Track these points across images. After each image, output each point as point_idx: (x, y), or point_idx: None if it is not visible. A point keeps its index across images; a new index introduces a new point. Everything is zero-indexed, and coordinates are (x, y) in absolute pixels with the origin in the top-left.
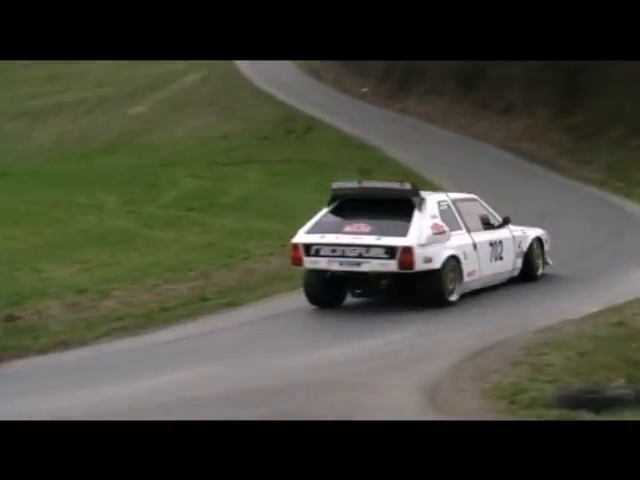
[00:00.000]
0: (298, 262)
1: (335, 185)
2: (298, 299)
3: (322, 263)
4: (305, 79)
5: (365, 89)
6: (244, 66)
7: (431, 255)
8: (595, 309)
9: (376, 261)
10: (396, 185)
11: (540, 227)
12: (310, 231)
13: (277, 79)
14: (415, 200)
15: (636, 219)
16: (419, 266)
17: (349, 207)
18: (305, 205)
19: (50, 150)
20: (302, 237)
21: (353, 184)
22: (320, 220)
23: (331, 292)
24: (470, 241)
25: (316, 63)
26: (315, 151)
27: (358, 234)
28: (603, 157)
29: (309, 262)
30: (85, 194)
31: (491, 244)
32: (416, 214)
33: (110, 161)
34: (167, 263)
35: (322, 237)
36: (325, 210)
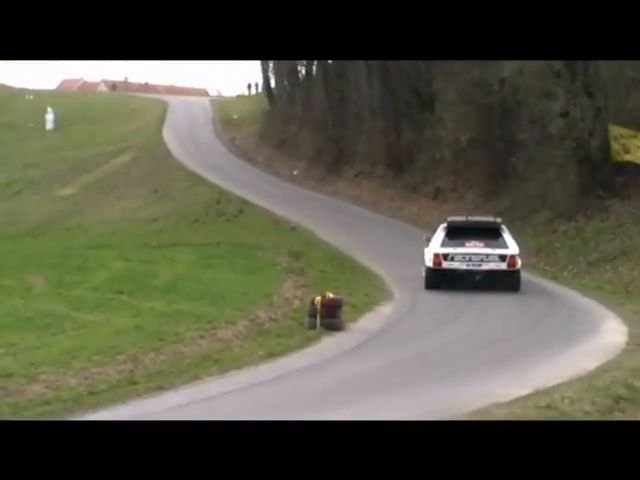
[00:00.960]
0: (439, 264)
1: (450, 219)
2: (229, 381)
3: (455, 265)
4: (236, 162)
5: (296, 172)
6: (175, 148)
7: (519, 260)
8: (524, 392)
9: (493, 263)
10: (490, 219)
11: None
12: (443, 246)
13: (209, 161)
14: (502, 227)
15: (563, 301)
16: (518, 266)
17: (458, 233)
18: (236, 288)
19: None
20: (440, 249)
21: (462, 218)
22: (444, 240)
23: (441, 283)
24: None
25: (247, 145)
26: (246, 234)
27: (477, 247)
28: (531, 241)
29: (446, 264)
30: (12, 276)
31: None
32: (505, 235)
33: (39, 243)
34: (95, 346)
35: (454, 249)
36: (442, 234)
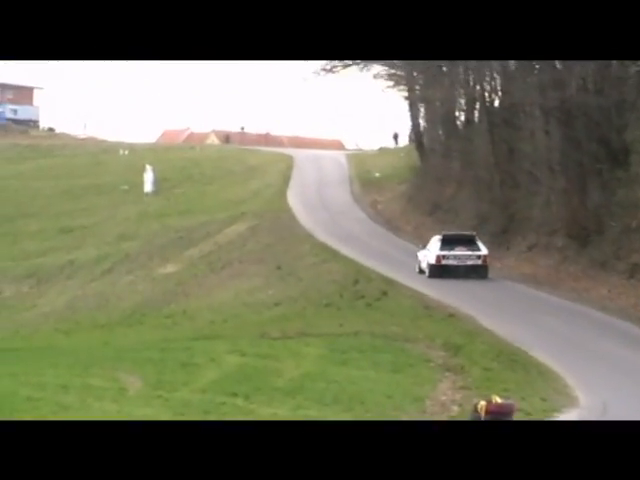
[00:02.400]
0: (439, 262)
1: (443, 233)
2: None
3: (449, 261)
4: (379, 231)
5: None
6: (302, 214)
7: (488, 258)
8: None
9: (472, 261)
10: (468, 233)
11: None
12: (440, 250)
13: (344, 231)
14: (476, 237)
15: None
16: (487, 262)
17: (449, 241)
18: (378, 389)
19: (59, 320)
20: (440, 252)
21: (451, 232)
22: (441, 246)
23: (440, 274)
24: None
25: (391, 210)
26: (391, 321)
27: (463, 251)
28: None
29: (444, 261)
30: (102, 375)
31: None
32: (479, 243)
33: (134, 334)
34: None
35: (448, 252)
36: (438, 242)
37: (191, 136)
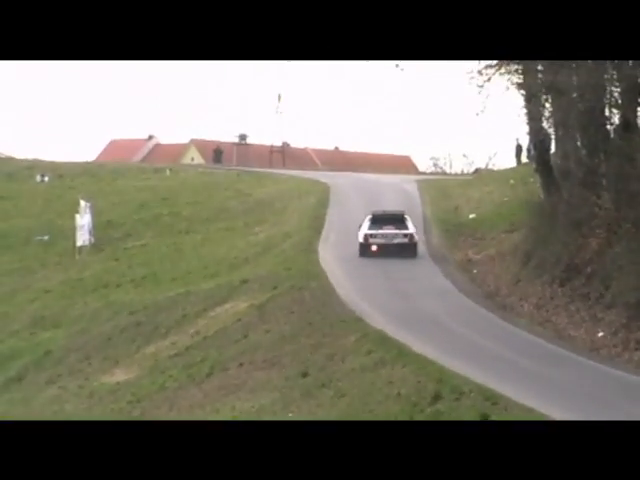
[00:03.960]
0: (366, 241)
1: (373, 211)
2: None
3: (377, 240)
4: (472, 309)
5: (601, 333)
6: (342, 281)
7: (416, 237)
8: None
9: (399, 239)
10: (397, 211)
11: None
12: (369, 229)
13: (411, 308)
14: (406, 217)
15: None
16: (415, 240)
17: (378, 220)
18: None
19: None
20: (367, 231)
21: (380, 211)
22: (370, 225)
23: (370, 253)
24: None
25: (494, 274)
26: None
27: (390, 229)
28: None
29: (371, 240)
30: None
31: None
32: (407, 222)
33: None
34: None
35: (376, 230)
36: (368, 222)
37: (157, 150)
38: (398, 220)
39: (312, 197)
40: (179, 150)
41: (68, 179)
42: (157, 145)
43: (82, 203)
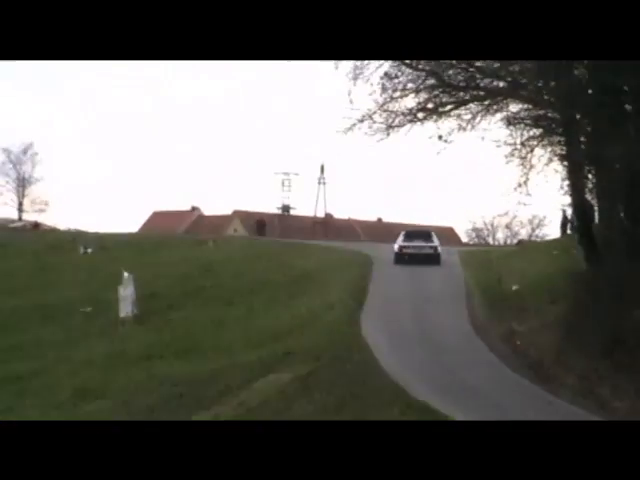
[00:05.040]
0: (400, 251)
1: (405, 230)
2: None
3: (409, 250)
4: (516, 380)
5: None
6: (385, 355)
7: (440, 249)
8: None
9: (426, 250)
10: (425, 229)
11: None
12: (403, 242)
13: (455, 381)
14: (432, 233)
15: None
16: (439, 252)
17: (410, 235)
18: None
19: None
20: (402, 244)
21: (412, 228)
22: (403, 239)
23: (404, 260)
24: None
25: (540, 347)
26: None
27: (420, 242)
28: None
29: (404, 251)
30: None
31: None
32: (434, 237)
33: None
34: None
35: (409, 243)
36: (402, 236)
37: (200, 221)
38: (426, 236)
39: (355, 268)
40: (222, 221)
41: (111, 250)
42: (200, 216)
43: (125, 274)
